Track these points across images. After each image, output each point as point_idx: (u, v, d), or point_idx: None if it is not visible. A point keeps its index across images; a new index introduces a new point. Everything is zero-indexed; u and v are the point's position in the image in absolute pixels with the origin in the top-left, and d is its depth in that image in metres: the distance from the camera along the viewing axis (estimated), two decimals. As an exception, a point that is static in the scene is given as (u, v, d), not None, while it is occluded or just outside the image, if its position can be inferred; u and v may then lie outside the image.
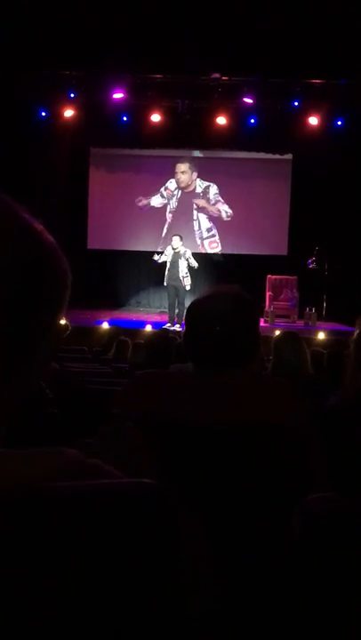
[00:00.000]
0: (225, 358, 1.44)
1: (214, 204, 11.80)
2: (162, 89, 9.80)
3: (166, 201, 11.80)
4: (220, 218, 11.82)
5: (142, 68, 9.27)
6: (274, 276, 10.57)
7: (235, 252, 11.60)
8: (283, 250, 11.51)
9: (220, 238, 11.86)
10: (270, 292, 10.38)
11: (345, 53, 8.42)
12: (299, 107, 9.87)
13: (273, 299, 10.32)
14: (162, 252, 9.32)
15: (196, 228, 11.85)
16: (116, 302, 11.65)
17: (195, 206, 11.81)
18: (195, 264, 9.03)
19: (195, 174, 11.74)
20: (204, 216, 11.86)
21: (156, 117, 10.15)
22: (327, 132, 10.22)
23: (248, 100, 9.71)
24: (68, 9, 8.13)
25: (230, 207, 11.75)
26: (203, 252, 11.48)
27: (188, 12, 8.23)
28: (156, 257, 9.25)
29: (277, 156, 11.43)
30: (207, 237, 11.88)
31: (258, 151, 11.39)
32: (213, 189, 11.78)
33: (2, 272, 0.65)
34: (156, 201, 11.79)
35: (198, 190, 11.82)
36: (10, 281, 0.65)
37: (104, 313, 10.34)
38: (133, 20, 8.29)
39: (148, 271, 10.84)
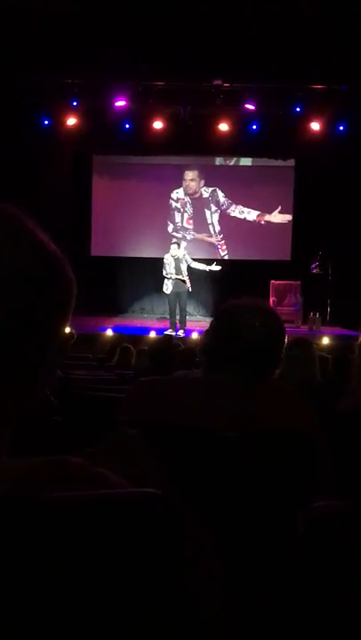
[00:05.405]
0: (257, 371, 1.47)
1: (228, 208, 11.80)
2: (164, 96, 9.82)
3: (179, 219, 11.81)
4: (239, 220, 11.82)
5: (144, 75, 9.30)
6: (278, 282, 10.56)
7: (238, 258, 11.61)
8: (286, 255, 11.51)
9: (225, 243, 11.91)
10: (274, 297, 10.37)
11: (346, 58, 8.44)
12: (301, 112, 9.88)
13: (277, 304, 10.29)
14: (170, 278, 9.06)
15: (212, 231, 11.90)
16: (120, 309, 11.66)
17: (209, 210, 11.83)
18: (202, 266, 9.08)
19: (202, 181, 11.78)
20: (217, 220, 11.89)
21: (158, 124, 10.18)
22: (329, 138, 10.23)
23: (250, 107, 9.72)
24: (69, 17, 8.18)
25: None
26: (218, 257, 11.42)
27: (188, 18, 8.27)
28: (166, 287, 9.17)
29: (280, 162, 11.45)
30: (219, 242, 11.96)
31: (260, 157, 11.42)
32: (220, 193, 11.80)
33: (7, 281, 0.65)
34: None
35: (205, 196, 11.82)
36: (15, 290, 0.66)
37: (108, 320, 10.34)
38: (134, 28, 8.33)
39: (152, 278, 10.84)
